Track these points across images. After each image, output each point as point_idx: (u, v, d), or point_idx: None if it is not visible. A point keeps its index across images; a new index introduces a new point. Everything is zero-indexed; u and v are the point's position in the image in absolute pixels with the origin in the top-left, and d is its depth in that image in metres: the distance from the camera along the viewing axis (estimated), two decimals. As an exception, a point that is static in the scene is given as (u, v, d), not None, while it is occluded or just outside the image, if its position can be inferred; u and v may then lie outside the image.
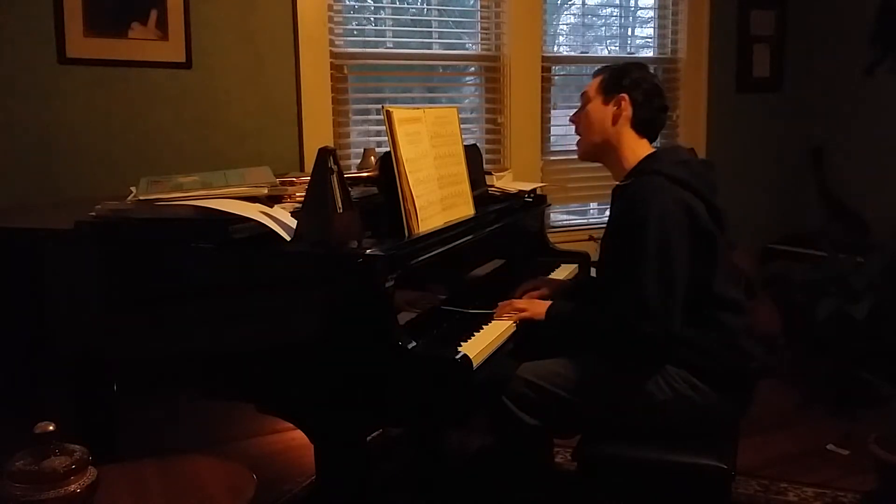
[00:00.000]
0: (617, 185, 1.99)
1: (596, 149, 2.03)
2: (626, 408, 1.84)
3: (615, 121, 1.98)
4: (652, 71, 2.08)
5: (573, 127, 2.09)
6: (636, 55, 4.14)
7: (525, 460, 1.93)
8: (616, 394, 1.84)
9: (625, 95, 1.97)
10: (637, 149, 1.98)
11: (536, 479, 1.94)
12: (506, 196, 2.53)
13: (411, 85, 3.72)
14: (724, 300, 1.87)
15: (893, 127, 3.91)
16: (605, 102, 1.99)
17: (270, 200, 1.82)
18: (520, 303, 1.99)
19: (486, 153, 3.56)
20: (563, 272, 2.50)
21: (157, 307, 1.78)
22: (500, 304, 1.99)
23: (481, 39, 3.65)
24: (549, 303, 1.98)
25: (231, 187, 1.81)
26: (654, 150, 2.00)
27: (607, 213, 3.95)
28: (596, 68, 2.12)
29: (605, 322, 1.84)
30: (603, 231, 2.07)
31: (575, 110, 2.09)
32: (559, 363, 1.92)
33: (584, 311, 1.93)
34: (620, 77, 2.00)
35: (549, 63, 3.75)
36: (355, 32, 3.43)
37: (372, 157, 2.41)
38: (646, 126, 2.00)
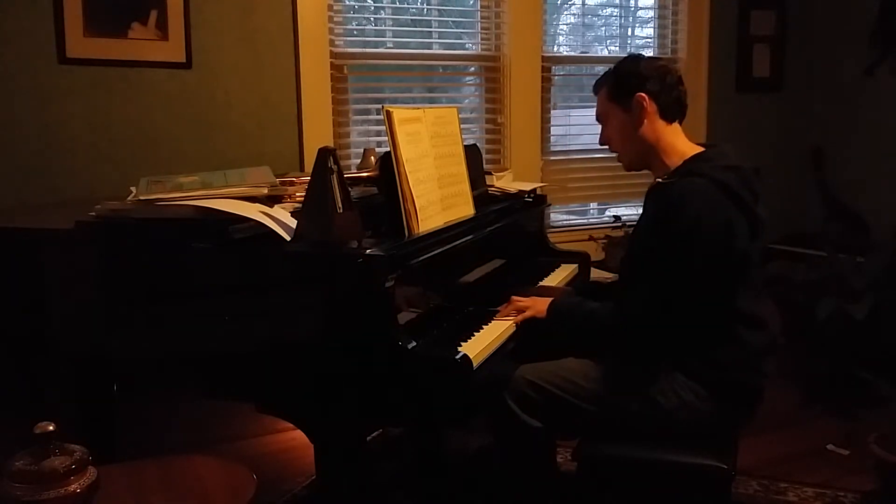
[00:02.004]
0: (657, 182, 1.89)
1: (639, 157, 1.95)
2: (630, 413, 1.82)
3: (643, 122, 1.89)
4: (646, 54, 1.98)
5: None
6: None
7: (527, 461, 1.92)
8: (620, 398, 1.83)
9: (641, 94, 1.88)
10: (675, 141, 1.90)
11: (537, 480, 1.94)
12: (506, 196, 2.52)
13: (411, 85, 3.73)
14: (746, 316, 1.83)
15: (893, 127, 3.91)
16: (626, 110, 1.90)
17: (270, 200, 1.82)
18: (522, 301, 1.98)
19: (486, 153, 3.56)
20: (563, 272, 2.50)
21: (157, 307, 1.78)
22: (502, 305, 1.99)
23: (481, 39, 3.65)
24: (549, 299, 1.96)
25: (231, 187, 1.81)
26: (701, 148, 1.91)
27: (607, 212, 4.00)
28: (592, 84, 2.03)
29: (607, 317, 1.84)
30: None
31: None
32: (563, 365, 1.91)
33: (586, 305, 1.92)
34: (626, 78, 1.91)
35: (549, 63, 3.75)
36: (355, 32, 3.43)
37: (372, 157, 2.40)
38: (673, 108, 1.91)
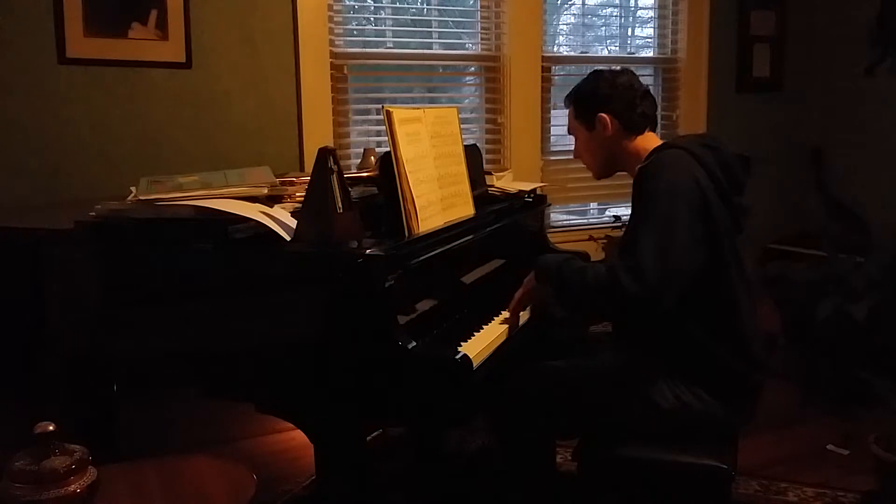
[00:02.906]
0: (637, 169, 1.88)
1: (607, 167, 2.01)
2: (629, 413, 1.82)
3: (608, 139, 1.94)
4: (609, 68, 2.00)
5: (580, 159, 2.06)
6: (636, 55, 4.14)
7: (526, 461, 1.92)
8: (619, 399, 1.83)
9: (601, 115, 1.92)
10: (647, 145, 1.93)
11: (537, 480, 1.94)
12: (506, 196, 2.52)
13: (411, 85, 3.72)
14: (737, 305, 1.82)
15: (893, 127, 3.92)
16: (589, 129, 1.97)
17: (270, 200, 1.82)
18: (516, 296, 1.92)
19: (486, 153, 3.56)
20: (563, 272, 2.50)
21: (156, 307, 1.79)
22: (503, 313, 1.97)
23: (481, 39, 3.65)
24: None
25: (231, 187, 1.81)
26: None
27: (607, 212, 4.00)
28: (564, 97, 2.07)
29: (594, 275, 1.72)
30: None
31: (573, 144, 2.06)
32: (563, 367, 1.91)
33: (575, 263, 1.81)
34: (587, 99, 1.96)
35: (549, 63, 3.75)
36: (355, 32, 3.43)
37: (372, 157, 2.41)
38: (639, 123, 1.94)
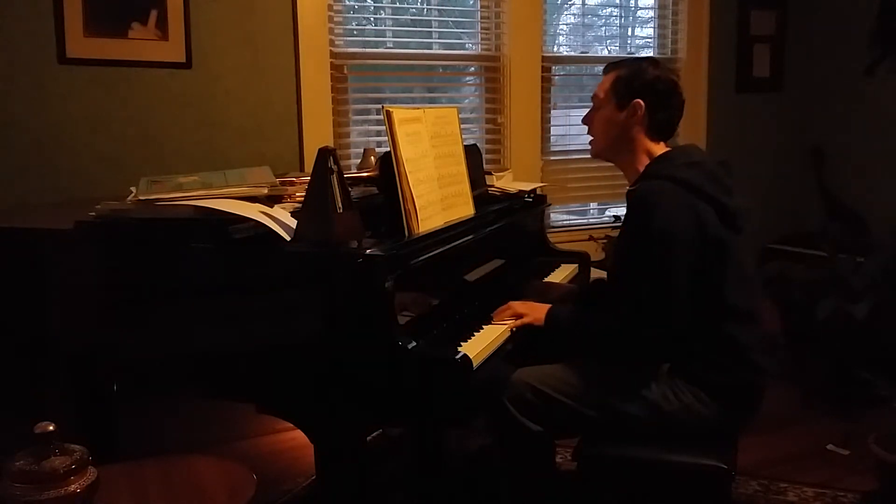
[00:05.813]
0: (628, 190, 1.91)
1: (609, 152, 1.98)
2: (632, 417, 1.82)
3: (630, 127, 1.90)
4: (662, 65, 1.96)
5: (585, 127, 2.01)
6: (636, 55, 4.14)
7: (526, 464, 1.92)
8: (621, 403, 1.83)
9: (639, 101, 1.88)
10: (653, 152, 1.92)
11: (537, 480, 1.94)
12: (506, 196, 2.52)
13: (411, 85, 3.72)
14: (736, 311, 1.81)
15: (893, 127, 3.91)
16: (619, 108, 1.90)
17: (270, 200, 1.82)
18: (519, 307, 1.95)
19: (486, 153, 3.56)
20: (563, 272, 2.50)
21: (156, 307, 1.79)
22: (498, 309, 1.97)
23: (481, 39, 3.65)
24: (548, 306, 1.94)
25: (231, 187, 1.81)
26: (667, 150, 1.93)
27: (607, 212, 4.01)
28: (604, 65, 2.02)
29: (605, 326, 1.83)
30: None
31: (586, 111, 2.00)
32: (563, 369, 1.90)
33: (584, 315, 1.92)
34: (633, 80, 1.89)
35: (549, 63, 3.75)
36: (355, 32, 3.43)
37: (372, 157, 2.41)
38: (662, 127, 1.92)
